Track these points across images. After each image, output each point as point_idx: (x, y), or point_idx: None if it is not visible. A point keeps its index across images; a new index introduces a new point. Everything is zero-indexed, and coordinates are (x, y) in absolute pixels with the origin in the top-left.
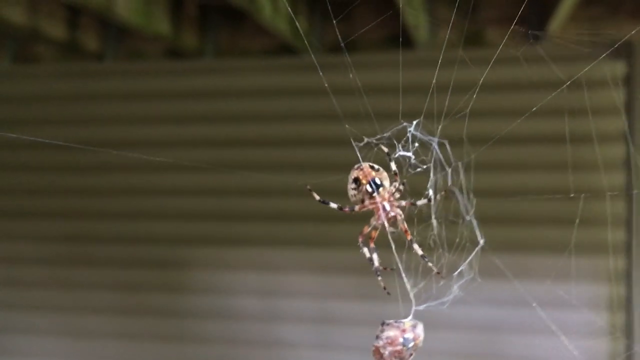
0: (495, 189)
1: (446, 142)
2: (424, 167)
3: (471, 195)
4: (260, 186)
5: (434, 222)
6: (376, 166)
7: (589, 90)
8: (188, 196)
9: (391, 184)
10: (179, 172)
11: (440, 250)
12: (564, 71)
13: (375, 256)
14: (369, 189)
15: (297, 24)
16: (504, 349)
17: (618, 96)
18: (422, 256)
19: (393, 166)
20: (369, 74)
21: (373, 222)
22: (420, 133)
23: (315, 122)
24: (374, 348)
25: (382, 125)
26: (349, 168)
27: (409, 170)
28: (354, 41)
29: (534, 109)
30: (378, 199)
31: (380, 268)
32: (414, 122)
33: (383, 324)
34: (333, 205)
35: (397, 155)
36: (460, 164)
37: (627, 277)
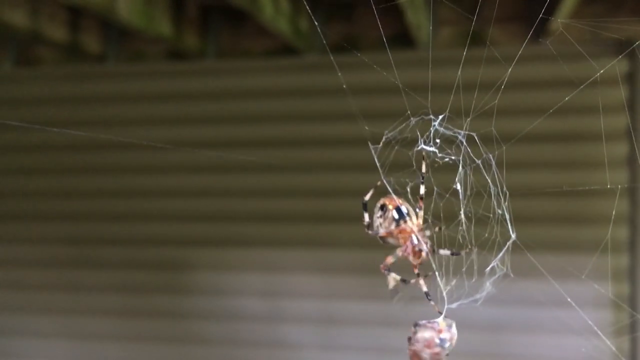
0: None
1: (475, 134)
2: (448, 159)
3: (504, 188)
4: (263, 187)
5: (463, 217)
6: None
7: (596, 88)
8: (191, 197)
9: (418, 217)
10: (181, 174)
11: (469, 247)
12: (569, 70)
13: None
14: (396, 216)
15: (313, 19)
16: (518, 348)
17: (621, 93)
18: (425, 293)
19: (422, 189)
20: (373, 74)
21: (399, 252)
22: (444, 128)
23: (317, 122)
24: (410, 352)
25: (388, 125)
26: (352, 168)
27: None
28: (355, 41)
29: (562, 101)
30: (408, 228)
31: (412, 281)
32: (440, 117)
33: (416, 325)
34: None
35: (419, 147)
36: (491, 156)
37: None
